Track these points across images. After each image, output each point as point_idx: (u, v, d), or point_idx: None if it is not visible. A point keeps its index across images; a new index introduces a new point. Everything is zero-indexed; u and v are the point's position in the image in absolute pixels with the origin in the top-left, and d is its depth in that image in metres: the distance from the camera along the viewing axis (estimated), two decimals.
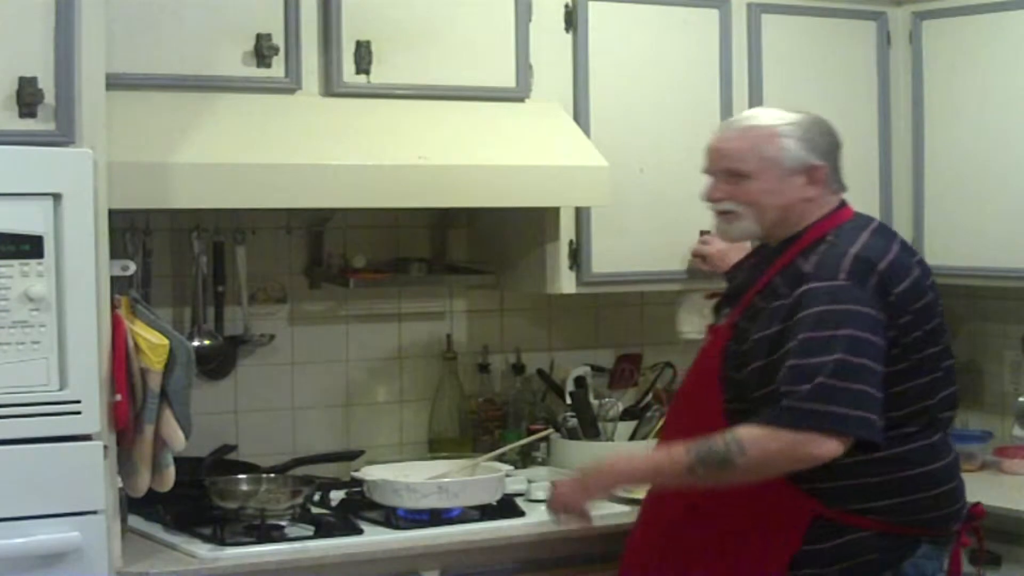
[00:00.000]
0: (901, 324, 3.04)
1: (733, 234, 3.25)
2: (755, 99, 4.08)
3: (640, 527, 3.35)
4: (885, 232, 3.21)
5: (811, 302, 3.01)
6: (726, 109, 4.06)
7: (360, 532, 3.46)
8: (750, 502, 3.07)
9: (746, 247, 3.51)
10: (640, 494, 3.79)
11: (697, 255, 3.98)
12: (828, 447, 2.93)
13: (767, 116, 3.22)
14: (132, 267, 3.29)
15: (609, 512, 3.68)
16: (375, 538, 3.44)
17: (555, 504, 3.24)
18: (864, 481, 3.05)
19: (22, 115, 3.03)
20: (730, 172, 3.17)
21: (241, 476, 3.64)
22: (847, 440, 2.94)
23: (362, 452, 3.98)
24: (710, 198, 3.23)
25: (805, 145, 3.14)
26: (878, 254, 3.08)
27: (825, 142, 3.18)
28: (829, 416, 2.93)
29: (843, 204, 3.22)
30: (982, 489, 3.55)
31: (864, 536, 3.07)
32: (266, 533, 3.39)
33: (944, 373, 3.14)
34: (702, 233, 3.91)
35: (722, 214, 3.22)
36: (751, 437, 2.96)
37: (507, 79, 3.85)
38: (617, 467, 3.18)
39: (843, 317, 2.98)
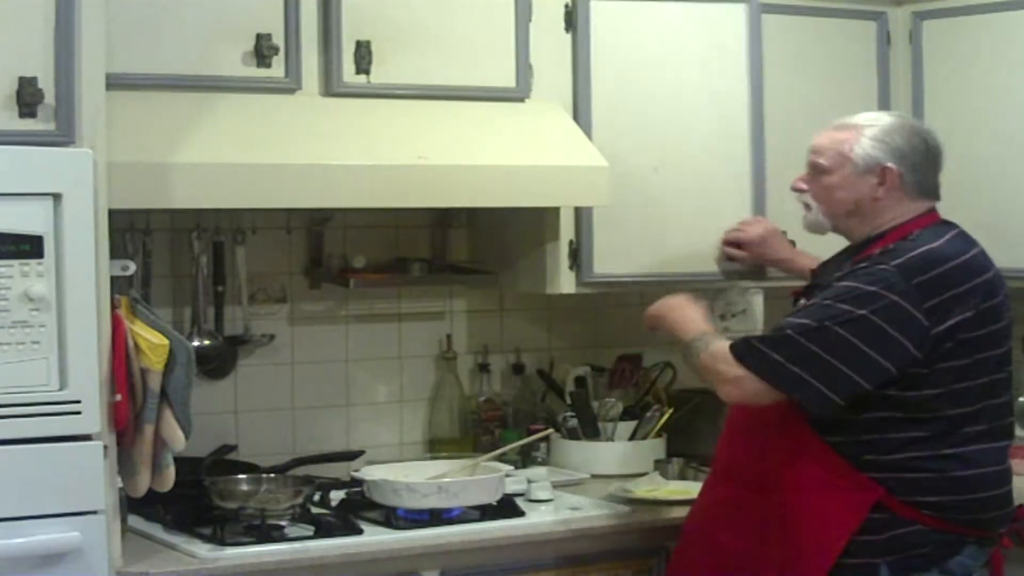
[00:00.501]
0: (961, 321, 3.12)
1: (805, 225, 3.41)
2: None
3: (701, 510, 3.43)
4: (965, 238, 3.30)
5: (850, 277, 3.16)
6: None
7: (360, 532, 3.46)
8: (819, 485, 3.16)
9: (780, 236, 3.80)
10: (640, 494, 3.80)
11: (730, 243, 3.92)
12: (747, 388, 3.15)
13: (862, 117, 3.33)
14: (132, 267, 3.28)
15: (608, 512, 3.68)
16: (375, 538, 3.44)
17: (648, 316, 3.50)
18: (922, 475, 3.12)
19: (22, 115, 3.03)
20: (812, 166, 3.34)
21: (241, 476, 3.64)
22: (774, 393, 3.12)
23: (362, 452, 3.99)
24: (792, 187, 3.40)
25: (881, 147, 3.25)
26: (950, 254, 3.18)
27: (908, 147, 3.27)
28: (772, 364, 3.10)
29: (931, 211, 3.32)
30: None
31: (916, 531, 3.14)
32: (266, 533, 3.39)
33: (1002, 379, 3.22)
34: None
35: (803, 204, 3.38)
36: (713, 347, 3.21)
37: (507, 79, 3.84)
38: (672, 314, 3.41)
39: (866, 297, 3.09)
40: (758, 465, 3.25)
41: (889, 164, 3.24)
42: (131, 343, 3.15)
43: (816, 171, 3.31)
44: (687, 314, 3.37)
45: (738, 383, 3.17)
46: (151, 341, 3.17)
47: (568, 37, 3.93)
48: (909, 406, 3.13)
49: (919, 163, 3.27)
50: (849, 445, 3.15)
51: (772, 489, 3.22)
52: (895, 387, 3.11)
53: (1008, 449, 3.26)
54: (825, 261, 3.44)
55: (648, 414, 4.20)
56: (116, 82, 3.24)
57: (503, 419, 4.26)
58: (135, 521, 3.46)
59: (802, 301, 3.31)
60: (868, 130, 3.26)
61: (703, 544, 3.36)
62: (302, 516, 3.48)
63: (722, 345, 3.21)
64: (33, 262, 3.01)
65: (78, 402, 3.04)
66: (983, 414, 3.18)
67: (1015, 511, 3.30)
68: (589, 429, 4.16)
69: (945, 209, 4.17)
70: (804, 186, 3.35)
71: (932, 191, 3.32)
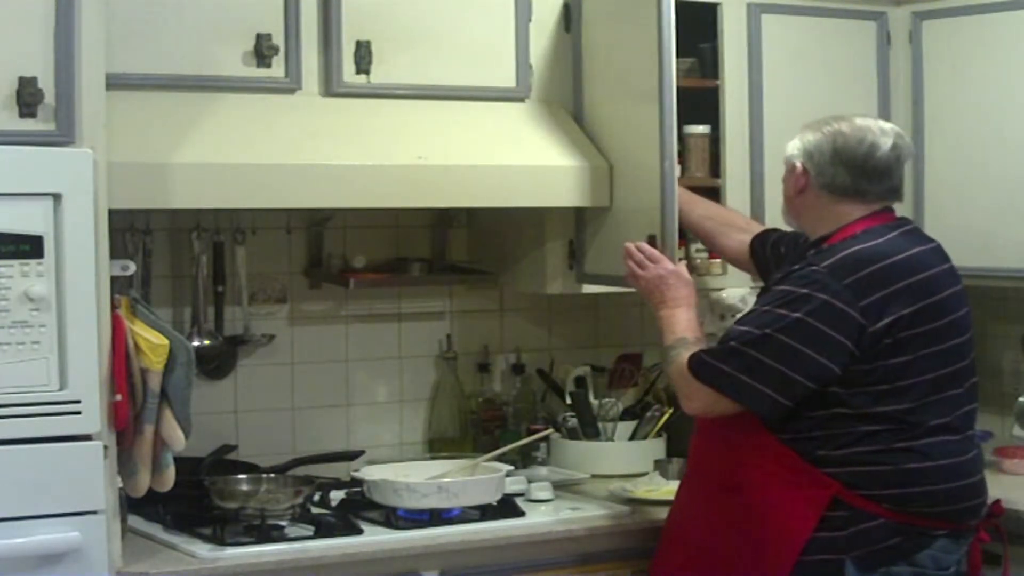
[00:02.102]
0: (898, 318, 3.16)
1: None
2: (755, 99, 4.08)
3: (677, 508, 3.48)
4: (912, 235, 3.33)
5: (785, 281, 3.23)
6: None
7: (360, 532, 3.46)
8: (777, 482, 3.21)
9: None
10: (639, 494, 3.80)
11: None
12: (703, 400, 3.25)
13: (826, 118, 3.38)
14: (132, 267, 3.28)
15: (608, 512, 3.68)
16: (375, 538, 3.44)
17: (636, 277, 3.54)
18: (877, 469, 3.17)
19: (22, 115, 3.03)
20: None
21: (241, 476, 3.64)
22: (728, 402, 3.20)
23: (362, 452, 3.99)
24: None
25: (798, 147, 3.35)
26: (883, 253, 3.21)
27: (816, 150, 3.31)
28: (722, 375, 3.20)
29: (884, 210, 3.34)
30: None
31: (880, 525, 3.17)
32: (266, 533, 3.39)
33: (955, 372, 3.24)
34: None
35: None
36: (678, 363, 3.30)
37: (507, 79, 3.84)
38: (663, 311, 3.45)
39: (800, 300, 3.16)
40: (723, 463, 3.31)
41: (799, 165, 3.34)
42: (131, 343, 3.15)
43: None
44: (675, 316, 3.43)
45: (694, 396, 3.28)
46: (151, 341, 3.17)
47: (568, 37, 3.92)
48: (855, 403, 3.17)
49: (825, 166, 3.31)
50: (802, 442, 3.20)
51: (737, 487, 3.27)
52: (838, 385, 3.17)
53: (970, 441, 3.28)
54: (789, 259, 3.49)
55: (648, 414, 4.20)
56: (116, 82, 3.24)
57: (503, 419, 4.26)
58: (135, 521, 3.46)
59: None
60: (804, 133, 3.35)
61: (679, 542, 3.41)
62: (302, 516, 3.48)
63: (684, 358, 3.30)
64: (33, 262, 3.01)
65: (78, 402, 3.04)
66: (936, 408, 3.21)
67: (988, 503, 3.32)
68: (589, 429, 4.16)
69: (945, 209, 4.19)
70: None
71: (859, 194, 3.32)
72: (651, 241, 3.57)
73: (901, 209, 4.25)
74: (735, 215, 3.91)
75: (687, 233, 4.02)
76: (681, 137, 4.05)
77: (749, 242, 3.72)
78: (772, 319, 3.18)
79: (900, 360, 3.17)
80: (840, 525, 3.17)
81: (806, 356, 3.15)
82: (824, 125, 3.34)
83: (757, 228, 3.80)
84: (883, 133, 3.32)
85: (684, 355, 3.30)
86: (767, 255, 3.65)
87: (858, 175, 3.30)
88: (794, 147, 3.36)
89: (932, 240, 3.38)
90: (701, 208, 3.86)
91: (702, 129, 4.08)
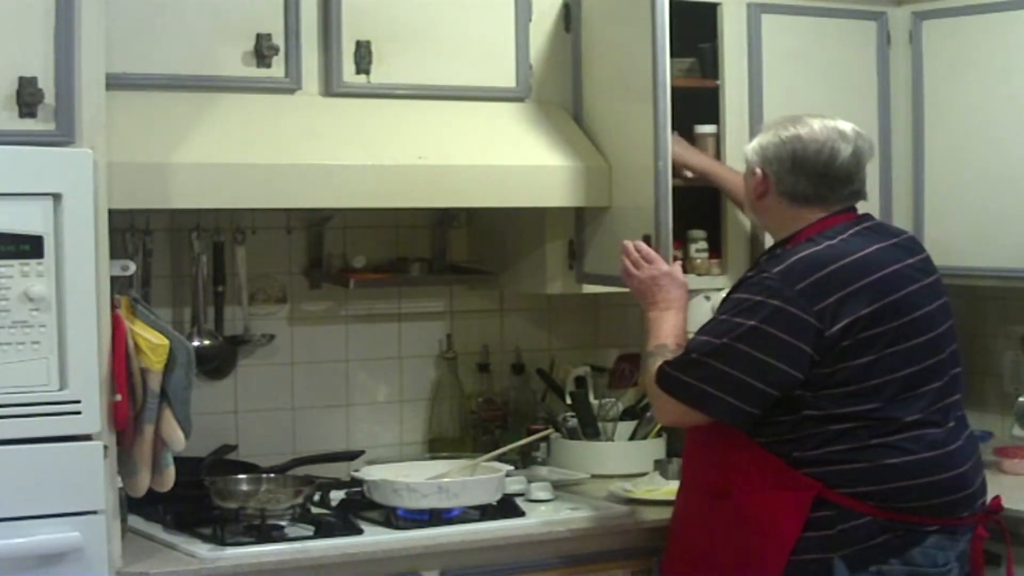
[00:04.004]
0: (855, 319, 3.15)
1: None
2: (755, 99, 4.07)
3: (676, 515, 3.49)
4: (873, 232, 3.31)
5: (740, 289, 3.26)
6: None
7: (360, 532, 3.46)
8: (760, 485, 3.21)
9: None
10: (639, 494, 3.80)
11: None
12: (672, 412, 3.27)
13: (784, 119, 3.37)
14: (132, 267, 3.28)
15: (608, 512, 3.68)
16: (375, 538, 3.44)
17: (630, 276, 3.52)
18: (857, 466, 3.17)
19: (22, 115, 3.03)
20: None
21: (241, 476, 3.64)
22: (695, 413, 3.22)
23: (362, 452, 3.99)
24: None
25: (756, 151, 3.36)
26: (835, 255, 3.21)
27: (775, 156, 3.31)
28: (685, 386, 3.22)
29: (846, 210, 3.33)
30: None
31: (868, 522, 3.17)
32: (266, 533, 3.39)
33: (926, 368, 3.22)
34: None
35: None
36: (651, 374, 3.31)
37: (507, 79, 3.85)
38: (650, 314, 3.45)
39: (754, 308, 3.17)
40: (710, 468, 3.32)
41: (758, 171, 3.34)
42: (131, 343, 3.15)
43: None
44: (663, 319, 3.42)
45: (661, 407, 3.32)
46: (151, 341, 3.17)
47: (568, 37, 3.92)
48: (822, 404, 3.17)
49: (785, 174, 3.30)
50: (778, 445, 3.21)
51: (725, 492, 3.27)
52: (804, 388, 3.17)
53: (954, 432, 3.25)
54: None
55: (648, 414, 4.19)
56: (116, 82, 3.24)
57: (503, 419, 4.26)
58: (135, 521, 3.46)
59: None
60: (763, 135, 3.35)
61: (680, 549, 3.42)
62: (302, 516, 3.49)
63: (656, 370, 3.31)
64: (33, 262, 3.01)
65: (78, 402, 3.04)
66: (910, 404, 3.19)
67: (980, 497, 3.31)
68: (589, 429, 4.16)
69: (945, 209, 4.19)
70: None
71: (819, 200, 3.31)
72: (646, 241, 3.57)
73: (900, 210, 4.28)
74: None
75: (685, 234, 4.02)
76: (691, 137, 4.06)
77: None
78: (728, 327, 3.18)
79: (863, 361, 3.16)
80: (827, 524, 3.17)
81: (765, 363, 3.15)
82: (781, 129, 3.32)
83: None
84: (843, 138, 3.29)
85: (654, 367, 3.30)
86: None
87: (819, 183, 3.29)
88: (752, 151, 3.35)
89: (897, 234, 3.36)
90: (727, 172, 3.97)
91: (711, 129, 4.08)
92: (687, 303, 3.49)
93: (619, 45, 3.75)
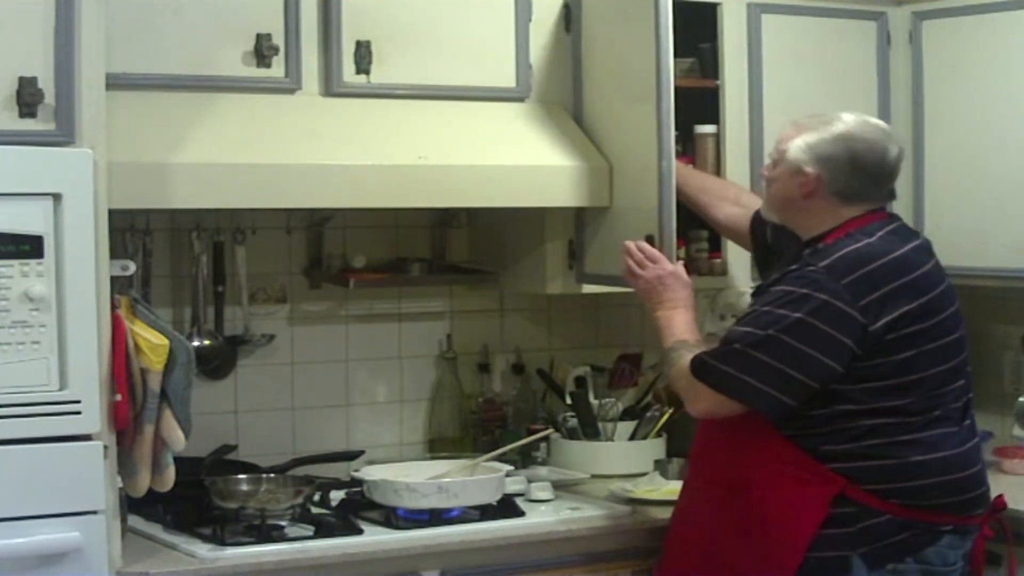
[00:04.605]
0: (900, 315, 3.17)
1: (762, 208, 3.53)
2: (755, 99, 4.07)
3: (681, 509, 3.48)
4: (902, 232, 3.35)
5: (783, 281, 3.24)
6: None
7: (360, 532, 3.46)
8: (782, 479, 3.22)
9: None
10: (640, 494, 3.80)
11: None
12: (707, 401, 3.25)
13: (818, 118, 3.36)
14: (132, 267, 3.28)
15: (608, 512, 3.68)
16: (375, 538, 3.44)
17: (635, 276, 3.54)
18: (883, 463, 3.18)
19: (22, 115, 3.03)
20: (771, 155, 3.42)
21: (241, 476, 3.64)
22: (732, 404, 3.21)
23: (362, 452, 3.99)
24: (760, 173, 3.58)
25: (808, 152, 3.30)
26: (879, 252, 3.23)
27: (831, 156, 3.29)
28: (726, 377, 3.21)
29: (877, 210, 3.36)
30: None
31: (887, 521, 3.18)
32: (266, 533, 3.39)
33: (954, 367, 3.27)
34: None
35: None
36: (680, 362, 3.31)
37: (507, 79, 3.84)
38: (660, 313, 3.45)
39: (800, 301, 3.17)
40: (727, 462, 3.32)
41: (810, 170, 3.30)
42: (131, 343, 3.15)
43: (774, 159, 3.41)
44: (673, 318, 3.43)
45: (699, 398, 3.28)
46: (151, 341, 3.17)
47: (568, 37, 3.92)
48: (859, 398, 3.19)
49: (840, 173, 3.30)
50: (806, 438, 3.21)
51: (742, 486, 3.27)
52: (842, 382, 3.18)
53: (968, 431, 3.30)
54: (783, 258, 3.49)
55: (648, 414, 4.20)
56: (116, 82, 3.24)
57: (503, 419, 4.26)
58: (135, 521, 3.46)
59: (752, 301, 3.39)
60: (808, 133, 3.32)
61: (684, 544, 3.41)
62: (302, 516, 3.49)
63: (686, 361, 3.30)
64: (33, 262, 3.01)
65: (78, 402, 3.04)
66: (939, 401, 3.23)
67: (989, 496, 3.34)
68: (589, 429, 4.16)
69: (945, 209, 4.19)
70: (766, 173, 3.45)
71: (864, 197, 3.33)
72: (649, 241, 3.57)
73: (901, 209, 4.28)
74: (728, 186, 3.93)
75: (688, 233, 4.02)
76: (691, 137, 4.06)
77: (750, 218, 3.71)
78: (773, 319, 3.18)
79: (902, 356, 3.19)
80: (847, 521, 3.18)
81: (808, 356, 3.15)
82: (827, 126, 3.31)
83: (748, 200, 3.80)
84: (889, 137, 3.34)
85: (686, 357, 3.30)
86: (767, 240, 3.65)
87: (870, 181, 3.32)
88: (800, 150, 3.31)
89: (919, 236, 3.40)
90: (697, 180, 3.89)
91: (711, 129, 4.08)
92: (693, 302, 3.50)
93: (621, 45, 3.75)
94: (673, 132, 3.61)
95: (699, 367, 3.26)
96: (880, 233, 3.28)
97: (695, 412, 3.32)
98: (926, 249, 3.36)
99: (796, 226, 3.40)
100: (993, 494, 3.38)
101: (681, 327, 3.41)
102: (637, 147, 3.69)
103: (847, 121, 3.33)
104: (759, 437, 3.24)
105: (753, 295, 3.43)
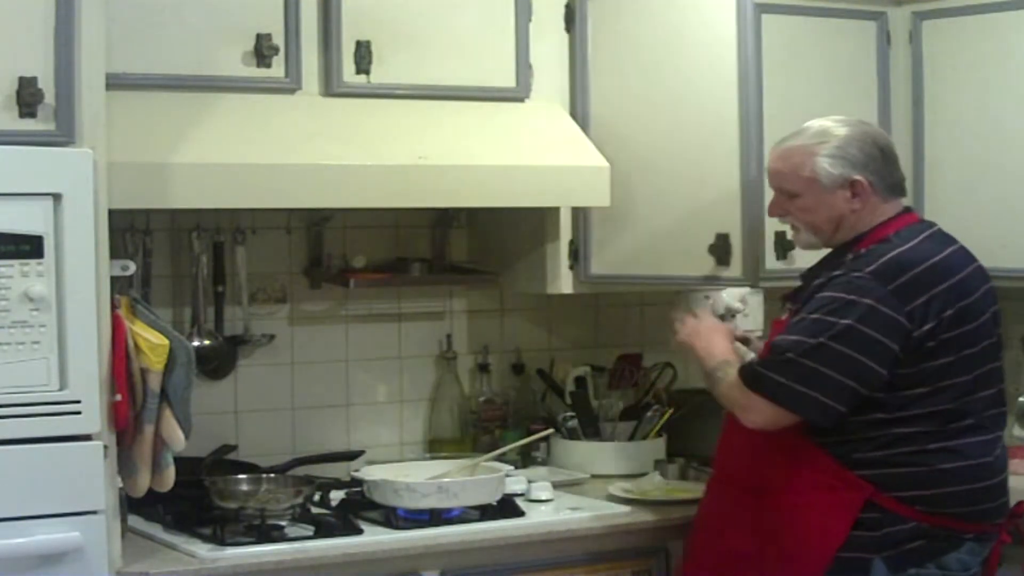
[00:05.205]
0: (940, 321, 3.17)
1: (799, 243, 3.46)
2: (755, 98, 4.07)
3: (705, 513, 3.47)
4: (941, 237, 3.35)
5: (828, 288, 3.21)
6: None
7: (360, 532, 3.46)
8: (809, 485, 3.21)
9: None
10: (640, 494, 3.80)
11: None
12: (764, 413, 3.20)
13: (807, 135, 3.35)
14: (132, 267, 3.28)
15: (608, 512, 3.68)
16: (375, 538, 3.44)
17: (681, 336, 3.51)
18: (913, 470, 3.17)
19: (22, 115, 3.03)
20: (781, 191, 3.38)
21: (241, 476, 3.64)
22: (790, 415, 3.17)
23: (362, 452, 3.99)
24: (770, 214, 3.49)
25: (840, 163, 3.29)
26: (921, 256, 3.23)
27: (864, 155, 3.30)
28: (782, 388, 3.17)
29: (907, 210, 3.37)
30: None
31: (912, 527, 3.17)
32: (266, 533, 3.39)
33: (987, 373, 3.26)
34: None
35: (791, 226, 3.44)
36: (731, 380, 3.27)
37: (507, 79, 3.85)
38: (697, 341, 3.44)
39: (847, 307, 3.15)
40: (754, 467, 3.30)
41: (856, 176, 3.28)
42: (131, 343, 3.15)
43: (788, 195, 3.36)
44: (713, 340, 3.42)
45: (755, 410, 3.22)
46: (151, 341, 3.17)
47: (568, 37, 3.92)
48: (893, 405, 3.17)
49: (880, 168, 3.31)
50: (839, 445, 3.20)
51: (769, 491, 3.26)
52: (883, 390, 3.17)
53: (998, 440, 3.30)
54: (810, 268, 3.45)
55: (648, 414, 4.20)
56: (116, 82, 3.24)
57: (503, 419, 4.26)
58: (135, 521, 3.46)
59: (790, 305, 3.37)
60: (821, 148, 3.29)
61: (709, 547, 3.39)
62: (302, 516, 3.49)
63: (735, 375, 3.28)
64: (33, 262, 3.00)
65: (78, 402, 3.03)
66: (970, 408, 3.22)
67: (1011, 504, 3.34)
68: (589, 429, 4.16)
69: (945, 209, 4.18)
70: (780, 211, 3.42)
71: (900, 187, 3.37)
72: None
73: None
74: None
75: None
76: None
77: None
78: (823, 327, 3.15)
79: (942, 362, 3.18)
80: (872, 526, 3.17)
81: (858, 362, 3.13)
82: (826, 135, 3.30)
83: None
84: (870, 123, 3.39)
85: (733, 372, 3.28)
86: None
87: (898, 166, 3.36)
88: (833, 166, 3.28)
89: (956, 241, 3.38)
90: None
91: None
92: (729, 330, 3.51)
93: (623, 45, 3.74)
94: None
95: (752, 378, 3.22)
96: (920, 237, 3.28)
97: (752, 425, 3.25)
98: (967, 253, 3.34)
99: (836, 238, 3.34)
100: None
101: (721, 349, 3.38)
102: (637, 147, 3.69)
103: (832, 124, 3.33)
104: (786, 441, 3.23)
105: (789, 301, 3.39)
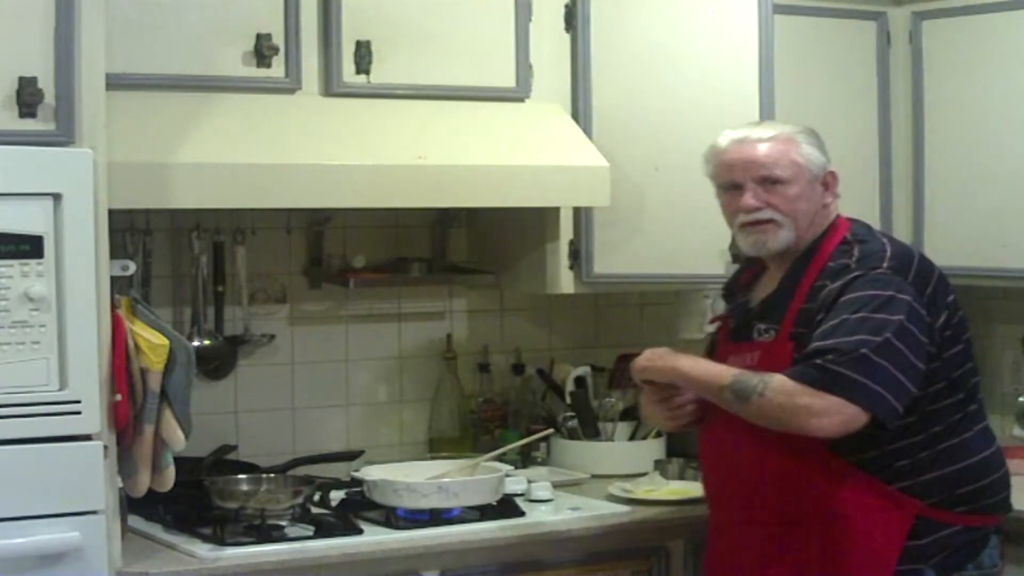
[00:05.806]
0: (948, 310, 3.14)
1: (772, 245, 3.22)
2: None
3: (734, 549, 3.26)
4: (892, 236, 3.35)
5: (860, 286, 3.07)
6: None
7: (360, 532, 3.46)
8: (856, 508, 3.09)
9: None
10: (640, 494, 3.80)
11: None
12: (844, 415, 2.97)
13: (779, 126, 3.29)
14: (132, 267, 3.29)
15: (608, 512, 3.68)
16: (375, 538, 3.44)
17: (635, 367, 3.30)
18: (939, 474, 3.12)
19: (22, 115, 3.03)
20: (766, 179, 3.20)
21: (241, 476, 3.64)
22: (863, 416, 2.98)
23: (362, 452, 3.99)
24: (748, 207, 3.20)
25: (820, 152, 3.25)
26: (910, 249, 3.23)
27: (825, 149, 3.28)
28: (857, 386, 2.97)
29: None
30: None
31: (955, 530, 3.13)
32: (266, 533, 3.39)
33: (974, 363, 3.23)
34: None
35: (757, 224, 3.21)
36: (781, 386, 3.00)
37: (507, 79, 3.85)
38: (679, 361, 3.22)
39: (892, 304, 3.04)
40: (788, 501, 3.13)
41: (831, 168, 3.24)
42: (131, 343, 3.15)
43: (773, 184, 3.19)
44: (699, 361, 3.24)
45: (832, 412, 2.98)
46: (151, 341, 3.17)
47: (568, 37, 3.93)
48: (923, 405, 3.09)
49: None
50: (874, 461, 3.09)
51: (811, 521, 3.12)
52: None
53: (990, 428, 3.27)
54: (731, 288, 3.39)
55: None
56: (116, 82, 3.24)
57: (503, 419, 4.26)
58: (135, 521, 3.46)
59: (763, 326, 3.19)
60: (799, 136, 3.23)
61: None
62: (302, 516, 3.49)
63: (784, 379, 3.02)
64: (33, 262, 3.00)
65: (78, 402, 3.03)
66: (968, 401, 3.18)
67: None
68: (589, 429, 4.16)
69: (945, 209, 4.19)
70: (759, 203, 3.19)
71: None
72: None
73: (901, 209, 4.29)
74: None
75: None
76: None
77: None
78: (880, 324, 3.01)
79: (954, 351, 3.14)
80: (918, 535, 3.11)
81: (910, 360, 3.03)
82: (787, 126, 3.28)
83: None
84: None
85: (774, 381, 3.02)
86: None
87: None
88: (817, 155, 3.22)
89: None
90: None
91: None
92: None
93: (623, 45, 3.74)
94: None
95: (826, 378, 2.98)
96: (877, 231, 3.27)
97: (828, 429, 2.99)
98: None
99: (802, 236, 3.21)
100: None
101: (713, 366, 3.19)
102: (638, 147, 3.69)
103: (770, 123, 3.37)
104: (821, 466, 3.09)
105: (806, 301, 3.17)
